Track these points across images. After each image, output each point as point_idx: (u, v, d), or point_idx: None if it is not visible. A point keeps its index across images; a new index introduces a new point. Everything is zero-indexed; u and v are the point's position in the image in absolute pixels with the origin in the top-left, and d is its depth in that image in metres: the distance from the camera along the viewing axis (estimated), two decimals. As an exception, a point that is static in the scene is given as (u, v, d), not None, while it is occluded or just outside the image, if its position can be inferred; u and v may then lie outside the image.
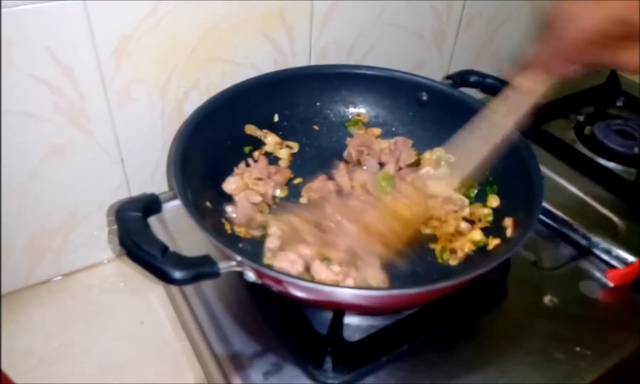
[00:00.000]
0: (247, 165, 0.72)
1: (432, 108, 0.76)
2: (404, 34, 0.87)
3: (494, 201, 0.68)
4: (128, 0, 0.60)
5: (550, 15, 0.48)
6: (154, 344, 0.64)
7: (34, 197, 0.65)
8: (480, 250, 0.65)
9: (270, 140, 0.75)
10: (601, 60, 0.48)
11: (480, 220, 0.67)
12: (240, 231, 0.65)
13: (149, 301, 0.69)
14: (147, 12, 0.62)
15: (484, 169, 0.64)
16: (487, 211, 0.67)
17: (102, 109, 0.65)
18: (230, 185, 0.68)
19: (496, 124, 0.58)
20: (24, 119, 0.60)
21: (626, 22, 0.44)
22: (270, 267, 0.52)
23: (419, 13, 0.86)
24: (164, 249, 0.47)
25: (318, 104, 0.78)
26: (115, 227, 0.49)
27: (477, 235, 0.65)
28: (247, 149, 0.73)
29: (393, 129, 0.80)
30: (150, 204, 0.53)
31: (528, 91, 0.54)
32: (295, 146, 0.76)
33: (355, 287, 0.56)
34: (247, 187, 0.69)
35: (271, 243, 0.62)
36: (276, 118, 0.76)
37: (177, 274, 0.45)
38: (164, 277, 0.46)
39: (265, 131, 0.75)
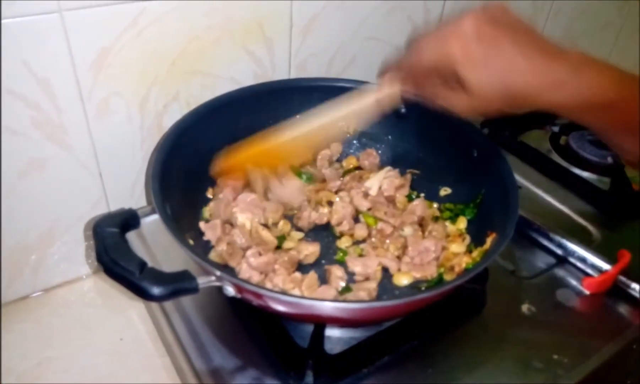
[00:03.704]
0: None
1: (410, 120, 0.77)
2: (382, 47, 0.88)
3: (461, 223, 0.70)
4: (107, 11, 0.60)
5: (411, 39, 0.55)
6: (134, 359, 0.63)
7: (11, 212, 0.64)
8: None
9: None
10: (434, 94, 0.55)
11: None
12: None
13: (129, 316, 0.68)
14: (127, 24, 0.62)
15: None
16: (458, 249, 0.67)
17: (80, 122, 0.64)
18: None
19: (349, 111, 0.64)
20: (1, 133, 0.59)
21: (445, 66, 0.50)
22: (250, 282, 0.52)
23: (397, 26, 0.87)
24: (142, 265, 0.46)
25: (298, 116, 0.78)
26: (92, 243, 0.49)
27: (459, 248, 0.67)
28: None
29: (372, 141, 0.80)
30: (128, 220, 0.53)
31: (377, 91, 0.61)
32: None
33: (336, 300, 0.57)
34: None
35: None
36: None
37: (155, 291, 0.45)
38: (142, 293, 0.45)
39: None
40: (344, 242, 0.69)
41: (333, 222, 0.70)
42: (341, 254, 0.67)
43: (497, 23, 0.49)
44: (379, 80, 0.61)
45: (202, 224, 0.65)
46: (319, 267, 0.65)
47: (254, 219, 0.67)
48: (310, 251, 0.65)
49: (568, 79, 0.48)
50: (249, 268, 0.60)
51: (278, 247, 0.66)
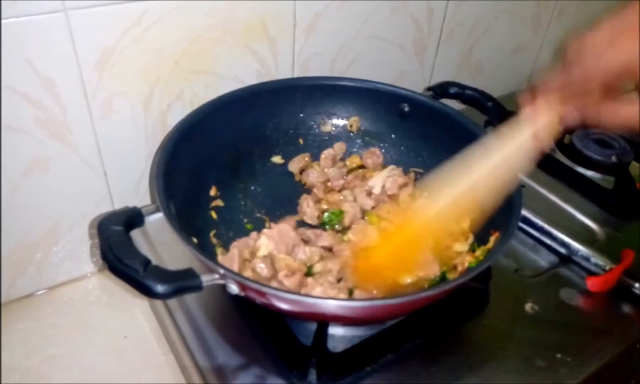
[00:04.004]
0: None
1: (414, 119, 0.77)
2: (386, 46, 0.88)
3: (464, 222, 0.69)
4: (111, 10, 0.60)
5: (573, 45, 0.45)
6: (138, 357, 0.64)
7: (15, 211, 0.64)
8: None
9: None
10: (608, 113, 0.44)
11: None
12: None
13: (133, 314, 0.68)
14: (131, 23, 0.62)
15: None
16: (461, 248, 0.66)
17: (84, 121, 0.65)
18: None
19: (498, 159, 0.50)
20: (5, 132, 0.59)
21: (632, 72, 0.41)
22: (253, 280, 0.52)
23: (401, 25, 0.87)
24: (146, 263, 0.47)
25: (301, 115, 0.78)
26: (97, 241, 0.49)
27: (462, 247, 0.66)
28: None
29: (375, 140, 0.81)
30: (132, 218, 0.53)
31: (532, 122, 0.48)
32: None
33: (338, 298, 0.57)
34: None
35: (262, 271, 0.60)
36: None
37: (159, 288, 0.45)
38: (146, 291, 0.46)
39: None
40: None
41: (345, 223, 0.71)
42: None
43: None
44: (529, 107, 0.48)
45: (219, 258, 0.62)
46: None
47: (279, 249, 0.64)
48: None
49: None
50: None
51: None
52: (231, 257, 0.60)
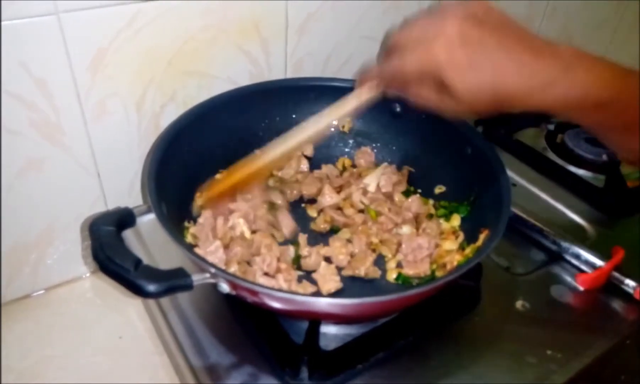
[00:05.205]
0: None
1: (406, 119, 0.78)
2: (378, 46, 0.88)
3: (455, 220, 0.70)
4: (104, 12, 0.61)
5: (389, 40, 0.52)
6: (133, 358, 0.64)
7: (9, 212, 0.65)
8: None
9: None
10: (419, 98, 0.52)
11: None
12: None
13: (128, 315, 0.68)
14: (123, 25, 0.63)
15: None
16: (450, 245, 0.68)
17: (77, 123, 0.65)
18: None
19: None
20: (-2, 134, 0.60)
21: (430, 72, 0.48)
22: (244, 279, 0.53)
23: (393, 26, 0.88)
24: (137, 262, 0.47)
25: (294, 116, 0.79)
26: (89, 242, 0.50)
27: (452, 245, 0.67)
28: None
29: (367, 140, 0.81)
30: (124, 218, 0.53)
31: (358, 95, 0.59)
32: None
33: (329, 296, 0.57)
34: None
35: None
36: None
37: (150, 287, 0.46)
38: (137, 290, 0.46)
39: None
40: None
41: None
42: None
43: (481, 23, 0.46)
44: (358, 86, 0.58)
45: (201, 252, 0.61)
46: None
47: (250, 219, 0.67)
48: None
49: (559, 79, 0.46)
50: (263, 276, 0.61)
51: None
52: (215, 250, 0.61)
